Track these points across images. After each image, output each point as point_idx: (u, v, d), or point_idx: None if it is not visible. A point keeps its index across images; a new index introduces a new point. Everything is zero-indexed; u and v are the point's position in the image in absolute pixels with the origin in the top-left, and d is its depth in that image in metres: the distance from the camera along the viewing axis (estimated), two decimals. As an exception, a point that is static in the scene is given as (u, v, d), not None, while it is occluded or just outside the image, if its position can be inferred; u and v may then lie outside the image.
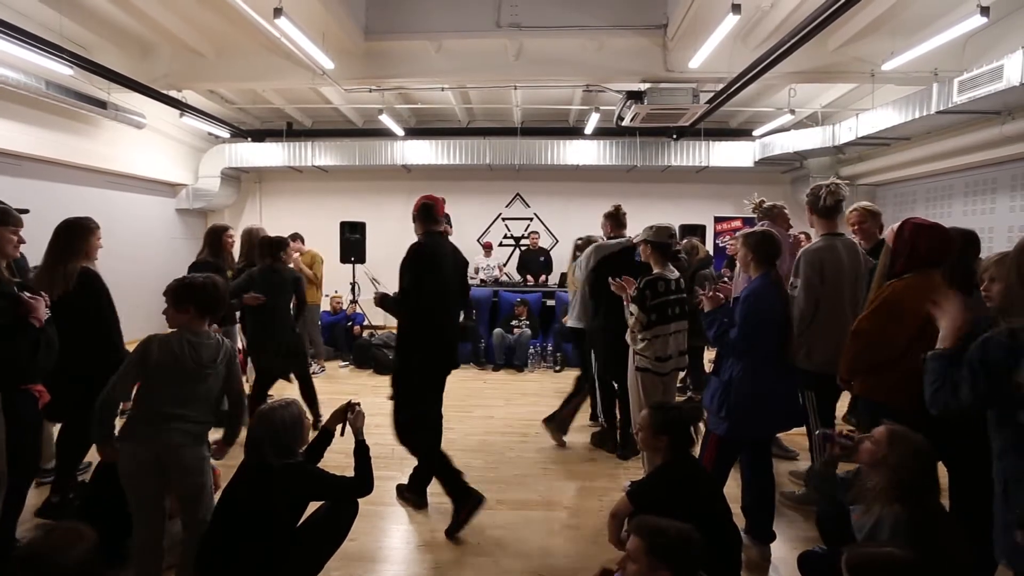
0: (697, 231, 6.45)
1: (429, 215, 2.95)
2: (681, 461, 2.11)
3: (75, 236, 2.72)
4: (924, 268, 2.15)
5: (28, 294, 2.16)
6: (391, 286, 9.46)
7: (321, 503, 2.19)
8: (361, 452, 2.23)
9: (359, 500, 2.21)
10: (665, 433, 2.10)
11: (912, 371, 2.06)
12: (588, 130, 7.84)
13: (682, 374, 4.68)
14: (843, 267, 2.80)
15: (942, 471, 1.97)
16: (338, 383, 5.85)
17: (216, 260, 3.94)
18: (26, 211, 2.91)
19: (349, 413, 2.32)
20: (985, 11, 3.81)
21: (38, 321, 2.11)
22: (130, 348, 3.46)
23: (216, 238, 4.06)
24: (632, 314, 3.01)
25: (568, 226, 9.20)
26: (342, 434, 2.34)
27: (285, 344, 3.99)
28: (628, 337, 3.09)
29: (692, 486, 2.06)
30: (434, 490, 3.30)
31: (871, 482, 1.72)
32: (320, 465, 2.24)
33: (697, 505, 1.97)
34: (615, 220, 3.91)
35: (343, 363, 6.58)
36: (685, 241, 4.86)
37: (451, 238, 8.39)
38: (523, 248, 8.95)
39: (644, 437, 2.17)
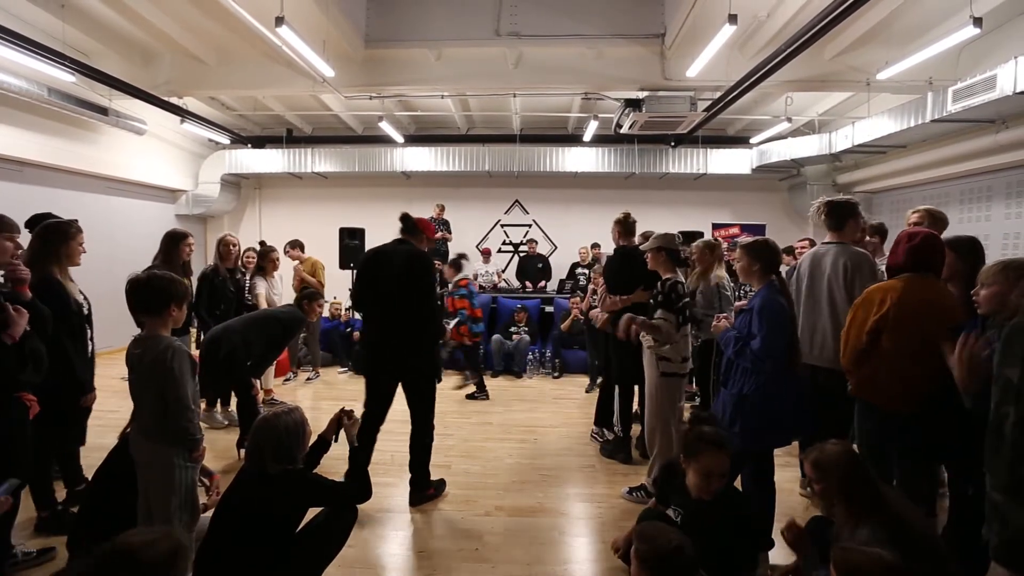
0: (696, 238, 6.46)
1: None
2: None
3: (51, 240, 2.61)
4: (910, 272, 2.23)
5: (13, 307, 2.10)
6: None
7: (320, 509, 2.19)
8: (357, 460, 2.24)
9: (358, 507, 2.21)
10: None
11: (891, 371, 2.16)
12: (587, 137, 7.89)
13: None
14: (821, 272, 2.82)
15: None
16: (336, 388, 5.85)
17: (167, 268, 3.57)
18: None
19: (346, 419, 2.33)
20: (978, 21, 3.86)
21: (10, 338, 2.05)
22: (110, 356, 3.47)
23: (172, 245, 3.74)
24: (663, 318, 3.00)
25: (567, 233, 9.24)
26: (336, 440, 2.36)
27: None
28: (652, 342, 3.08)
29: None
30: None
31: (837, 511, 1.80)
32: (319, 472, 2.24)
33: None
34: (624, 227, 3.95)
35: (341, 369, 6.57)
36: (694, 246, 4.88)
37: (450, 244, 8.44)
38: (522, 255, 8.97)
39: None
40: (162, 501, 2.04)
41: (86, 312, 2.78)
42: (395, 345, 3.01)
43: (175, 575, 1.35)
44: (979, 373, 1.79)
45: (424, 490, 3.18)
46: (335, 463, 2.44)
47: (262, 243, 5.14)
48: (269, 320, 3.93)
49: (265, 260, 4.86)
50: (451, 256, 8.08)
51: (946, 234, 2.66)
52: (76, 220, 2.80)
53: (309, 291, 4.34)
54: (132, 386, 2.12)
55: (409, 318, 3.01)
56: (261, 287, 4.73)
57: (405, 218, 3.27)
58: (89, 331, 2.80)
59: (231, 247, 4.43)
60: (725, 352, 2.54)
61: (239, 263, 4.72)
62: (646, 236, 3.57)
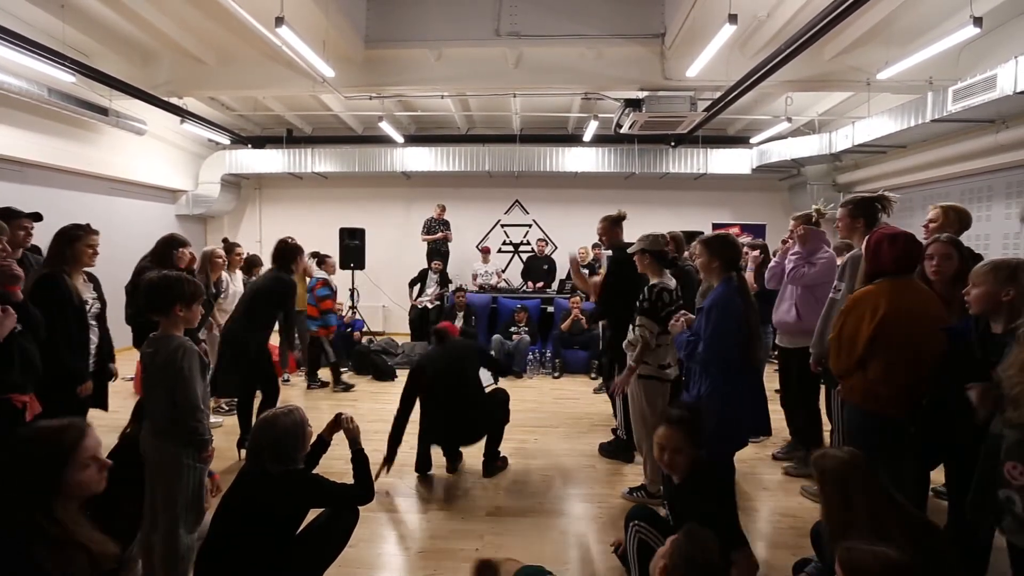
0: (695, 238, 6.46)
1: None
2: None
3: (61, 242, 2.73)
4: (892, 275, 2.22)
5: (1, 307, 2.09)
6: (390, 292, 9.45)
7: (321, 510, 2.19)
8: (359, 460, 2.24)
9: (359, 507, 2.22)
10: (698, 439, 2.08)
11: (885, 376, 2.14)
12: (587, 137, 7.89)
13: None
14: None
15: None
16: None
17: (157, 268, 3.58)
18: (39, 217, 2.96)
19: (346, 422, 2.32)
20: (978, 21, 3.86)
21: None
22: (122, 354, 3.48)
23: (165, 249, 3.67)
24: (643, 326, 2.95)
25: (567, 233, 9.23)
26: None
27: None
28: (631, 347, 3.03)
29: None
30: (436, 496, 3.31)
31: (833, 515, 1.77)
32: (322, 472, 2.24)
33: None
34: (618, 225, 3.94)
35: (342, 369, 6.55)
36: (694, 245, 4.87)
37: (450, 244, 8.45)
38: (527, 256, 8.94)
39: (685, 455, 2.07)
40: (169, 499, 2.05)
41: (93, 310, 2.89)
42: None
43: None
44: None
45: (495, 460, 3.60)
46: (336, 463, 2.44)
47: (225, 240, 5.12)
48: (257, 291, 3.94)
49: (231, 256, 4.82)
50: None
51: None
52: (88, 224, 2.85)
53: (287, 246, 4.04)
54: (144, 384, 2.19)
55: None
56: (236, 283, 4.80)
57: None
58: (95, 327, 2.91)
59: (219, 261, 4.46)
60: (679, 354, 2.52)
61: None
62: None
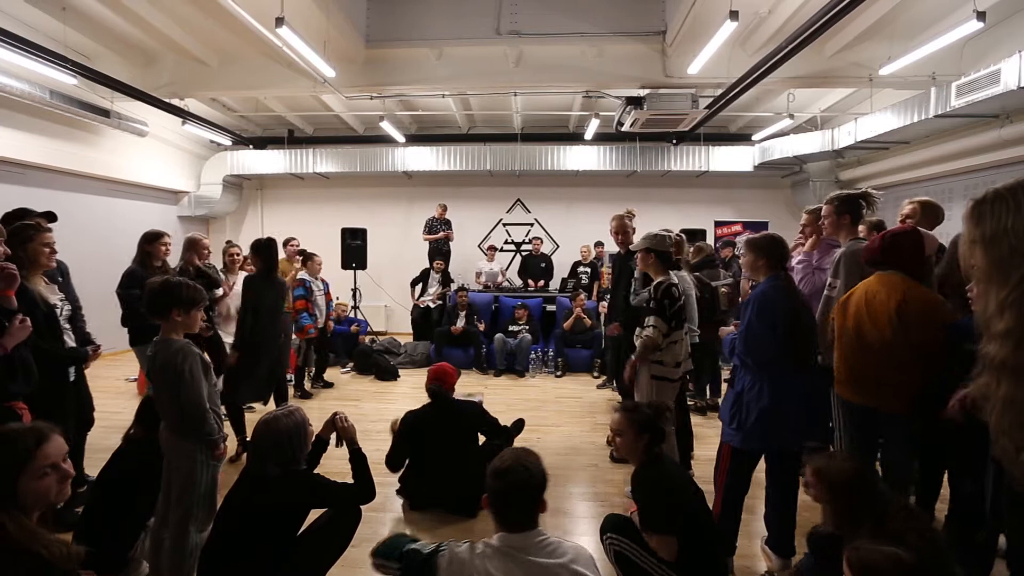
0: (698, 235, 6.46)
1: None
2: (659, 458, 2.13)
3: (12, 245, 2.46)
4: (885, 269, 2.28)
5: (20, 318, 2.11)
6: (393, 292, 9.45)
7: (323, 510, 2.19)
8: (357, 460, 2.25)
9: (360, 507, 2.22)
10: (647, 431, 2.12)
11: (891, 371, 2.14)
12: (588, 136, 7.88)
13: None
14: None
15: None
16: (339, 388, 5.85)
17: (141, 270, 3.56)
18: (54, 217, 2.93)
19: (341, 422, 2.32)
20: (981, 16, 3.83)
21: (2, 348, 2.06)
22: (114, 357, 3.49)
23: (143, 247, 3.64)
24: (653, 325, 2.91)
25: (569, 231, 9.23)
26: (338, 445, 2.36)
27: None
28: (642, 347, 2.99)
29: (680, 479, 2.12)
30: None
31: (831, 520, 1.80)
32: (322, 472, 2.24)
33: (686, 499, 2.02)
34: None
35: (344, 369, 6.58)
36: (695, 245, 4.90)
37: (452, 243, 8.47)
38: (524, 253, 8.97)
39: (626, 440, 2.16)
40: (181, 494, 2.08)
41: (64, 313, 2.78)
42: None
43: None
44: None
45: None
46: (337, 463, 2.44)
47: (228, 242, 5.05)
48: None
49: (226, 256, 4.72)
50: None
51: (950, 229, 2.64)
52: (37, 221, 2.67)
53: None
54: (152, 386, 2.24)
55: None
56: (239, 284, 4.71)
57: None
58: (69, 330, 2.82)
59: (205, 250, 4.27)
60: (725, 352, 2.52)
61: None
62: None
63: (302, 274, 5.71)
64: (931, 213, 2.92)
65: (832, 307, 2.58)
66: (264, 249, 3.96)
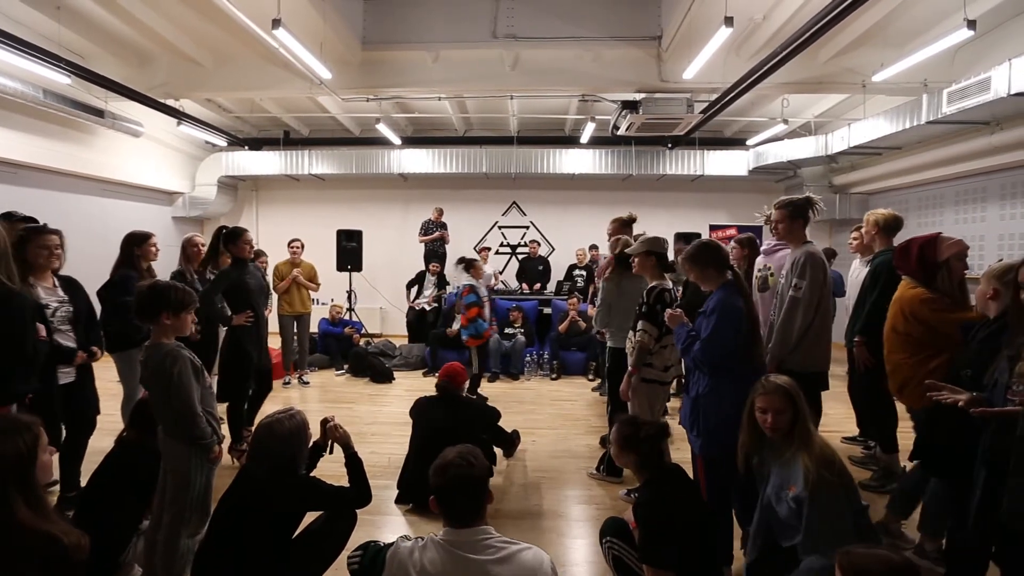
0: (692, 239, 6.47)
1: None
2: (657, 479, 2.08)
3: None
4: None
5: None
6: (387, 293, 9.40)
7: (319, 513, 2.18)
8: (353, 464, 2.24)
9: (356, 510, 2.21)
10: (632, 451, 2.08)
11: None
12: (584, 139, 7.90)
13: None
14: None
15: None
16: (334, 391, 5.84)
17: (135, 275, 3.44)
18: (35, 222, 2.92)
19: (335, 429, 2.31)
20: (972, 24, 3.87)
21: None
22: (109, 360, 3.46)
23: (126, 250, 3.50)
24: (644, 330, 2.91)
25: (564, 234, 9.25)
26: (330, 451, 2.35)
27: None
28: (634, 352, 2.99)
29: (680, 503, 2.02)
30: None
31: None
32: (317, 475, 2.24)
33: (694, 513, 1.99)
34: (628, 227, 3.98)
35: (339, 371, 6.55)
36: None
37: (448, 246, 8.45)
38: (521, 257, 8.97)
39: (615, 452, 2.18)
40: (175, 496, 2.07)
41: (59, 313, 2.79)
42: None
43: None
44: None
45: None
46: (334, 466, 2.43)
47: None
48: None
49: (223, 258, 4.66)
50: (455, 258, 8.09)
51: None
52: (44, 224, 2.72)
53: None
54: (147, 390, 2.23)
55: None
56: None
57: None
58: (68, 331, 2.83)
59: (198, 248, 4.17)
60: (677, 346, 2.49)
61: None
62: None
63: (470, 280, 5.39)
64: (885, 230, 3.26)
65: (799, 308, 2.72)
66: (221, 238, 3.82)
